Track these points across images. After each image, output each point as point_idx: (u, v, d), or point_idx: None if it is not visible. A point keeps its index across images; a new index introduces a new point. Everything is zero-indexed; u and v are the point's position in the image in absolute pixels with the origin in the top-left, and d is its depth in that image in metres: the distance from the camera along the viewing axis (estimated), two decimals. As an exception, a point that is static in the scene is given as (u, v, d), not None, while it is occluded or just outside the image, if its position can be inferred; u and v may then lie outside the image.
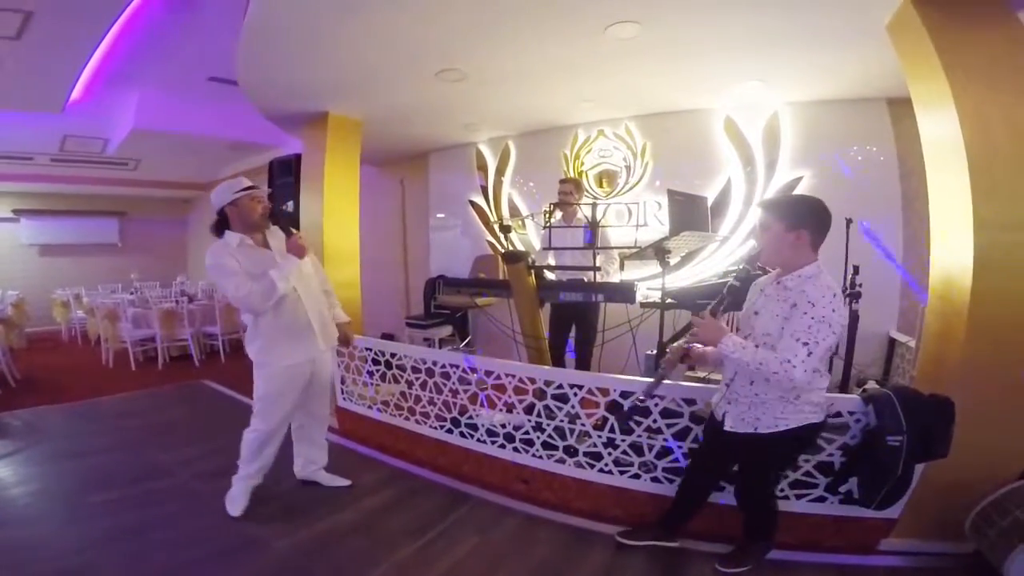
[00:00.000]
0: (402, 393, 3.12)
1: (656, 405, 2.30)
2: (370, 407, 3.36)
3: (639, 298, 2.74)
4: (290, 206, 3.83)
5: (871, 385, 3.17)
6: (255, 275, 2.19)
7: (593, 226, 2.65)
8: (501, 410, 2.75)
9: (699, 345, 1.86)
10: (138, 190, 7.47)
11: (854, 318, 2.78)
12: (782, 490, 2.17)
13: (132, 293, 6.39)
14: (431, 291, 4.81)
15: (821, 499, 2.15)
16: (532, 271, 2.78)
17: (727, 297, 1.83)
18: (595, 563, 2.10)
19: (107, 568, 2.00)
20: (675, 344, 1.94)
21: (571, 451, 2.56)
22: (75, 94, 4.84)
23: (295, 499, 2.59)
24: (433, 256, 5.21)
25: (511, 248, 2.72)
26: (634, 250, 2.61)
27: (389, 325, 5.28)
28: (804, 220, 1.66)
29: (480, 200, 4.70)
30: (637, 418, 2.34)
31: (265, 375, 2.35)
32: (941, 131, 2.07)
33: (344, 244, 3.62)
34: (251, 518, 2.39)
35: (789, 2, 2.14)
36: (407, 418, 3.13)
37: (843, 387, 2.86)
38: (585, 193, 3.52)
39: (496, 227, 2.84)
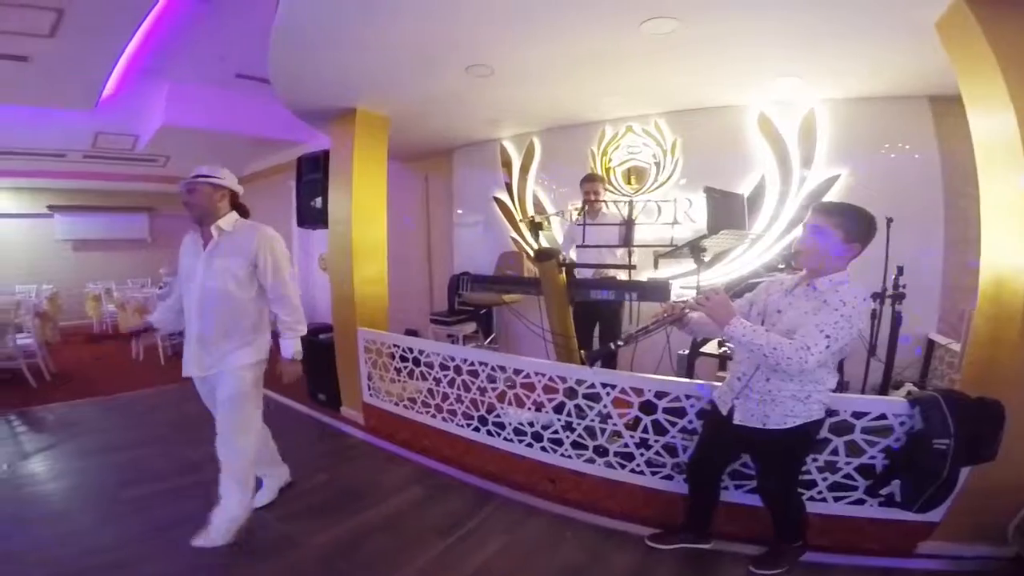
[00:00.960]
0: (429, 391, 3.13)
1: (692, 406, 2.27)
2: (396, 403, 3.38)
3: (673, 297, 2.70)
4: (318, 202, 3.85)
5: (909, 387, 3.09)
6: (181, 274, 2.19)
7: (627, 223, 2.61)
8: (529, 408, 2.74)
9: (696, 313, 1.82)
10: (167, 186, 7.56)
11: (897, 320, 2.70)
12: (820, 492, 2.13)
13: (161, 287, 6.53)
14: (455, 287, 4.81)
15: (860, 501, 2.10)
16: (563, 269, 2.75)
17: (746, 284, 1.80)
18: (624, 564, 2.09)
19: (141, 564, 2.03)
20: (677, 302, 1.91)
21: (600, 451, 2.54)
22: (107, 90, 4.94)
23: (323, 497, 2.62)
24: (457, 253, 5.21)
25: (541, 246, 2.69)
26: (669, 248, 2.57)
27: (413, 321, 5.30)
28: (862, 235, 1.65)
29: (504, 197, 4.68)
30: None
31: None
32: (996, 131, 1.99)
33: (373, 240, 3.64)
34: (280, 516, 2.42)
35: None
36: (434, 415, 3.14)
37: (883, 389, 2.78)
38: (608, 188, 3.48)
39: (525, 225, 2.81)
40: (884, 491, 2.06)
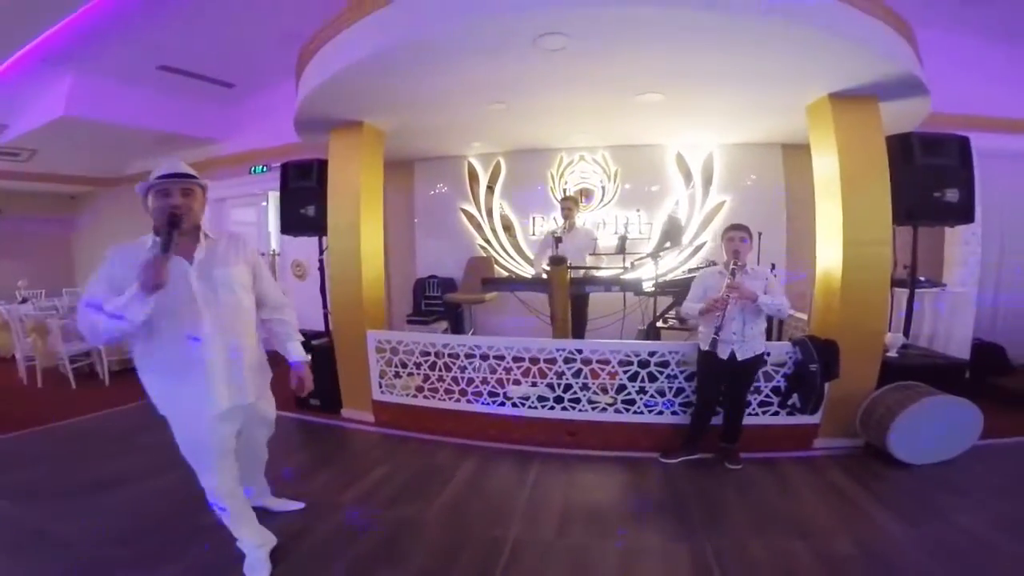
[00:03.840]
0: (453, 378, 3.59)
1: (675, 358, 3.27)
2: (414, 396, 3.74)
3: (647, 288, 3.71)
4: (311, 210, 3.95)
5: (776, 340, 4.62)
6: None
7: (623, 239, 3.54)
8: (550, 380, 3.45)
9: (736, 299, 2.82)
10: (20, 184, 6.11)
11: (774, 298, 4.12)
12: (753, 410, 3.27)
13: (24, 302, 5.40)
14: (421, 290, 5.22)
15: (776, 414, 3.31)
16: (568, 271, 3.54)
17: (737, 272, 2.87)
18: (657, 475, 2.95)
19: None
20: (722, 298, 2.82)
21: (608, 403, 3.38)
22: (-15, 76, 4.13)
23: (399, 484, 2.85)
24: (419, 258, 5.58)
25: (557, 254, 3.46)
26: (643, 256, 3.57)
27: (370, 325, 5.48)
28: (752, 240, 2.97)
29: (472, 209, 5.28)
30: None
31: (176, 426, 1.83)
32: (827, 173, 3.29)
33: (375, 247, 3.92)
34: (377, 506, 2.61)
35: (760, 85, 3.22)
36: (458, 400, 3.61)
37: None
38: (580, 205, 4.41)
39: (552, 235, 3.51)
40: (789, 403, 3.30)
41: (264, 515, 2.33)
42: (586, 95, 3.29)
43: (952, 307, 4.26)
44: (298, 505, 2.52)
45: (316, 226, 3.95)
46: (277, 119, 5.62)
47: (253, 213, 6.33)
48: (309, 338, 4.06)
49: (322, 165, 3.91)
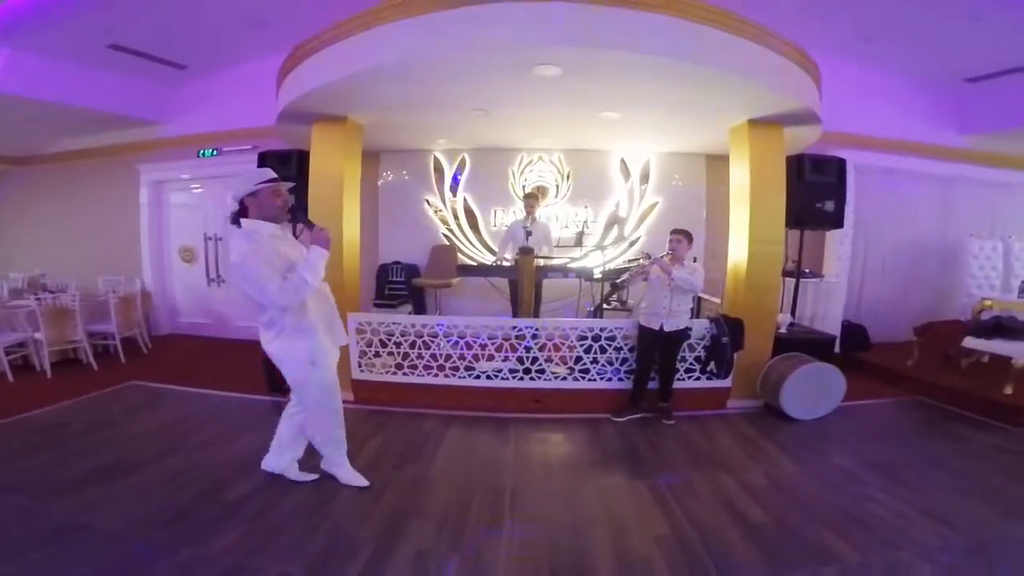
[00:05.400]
0: (432, 355, 3.97)
1: (619, 330, 3.92)
2: (394, 372, 4.06)
3: (596, 275, 4.34)
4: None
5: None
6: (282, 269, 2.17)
7: (580, 234, 4.12)
8: (519, 354, 3.95)
9: (656, 269, 3.57)
10: None
11: (698, 285, 4.95)
12: (681, 377, 4.02)
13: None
14: (384, 275, 5.47)
15: (698, 379, 4.09)
16: (535, 259, 4.07)
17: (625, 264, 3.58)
18: (611, 431, 3.59)
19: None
20: (642, 264, 3.57)
21: (568, 371, 3.97)
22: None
23: (398, 451, 3.16)
24: (382, 245, 5.79)
25: (527, 245, 3.95)
26: (592, 248, 4.20)
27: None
28: (690, 241, 3.67)
29: (436, 200, 5.59)
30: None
31: (321, 373, 2.41)
32: (740, 182, 4.09)
33: (353, 235, 4.14)
34: (390, 471, 2.89)
35: (699, 111, 3.93)
36: (436, 375, 3.99)
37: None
38: (541, 201, 4.94)
39: (523, 228, 3.97)
40: (708, 369, 4.09)
41: (286, 485, 2.69)
42: (559, 109, 3.80)
43: (828, 294, 5.38)
44: (313, 476, 2.73)
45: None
46: (230, 102, 5.52)
47: (196, 197, 6.11)
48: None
49: (302, 155, 4.04)
